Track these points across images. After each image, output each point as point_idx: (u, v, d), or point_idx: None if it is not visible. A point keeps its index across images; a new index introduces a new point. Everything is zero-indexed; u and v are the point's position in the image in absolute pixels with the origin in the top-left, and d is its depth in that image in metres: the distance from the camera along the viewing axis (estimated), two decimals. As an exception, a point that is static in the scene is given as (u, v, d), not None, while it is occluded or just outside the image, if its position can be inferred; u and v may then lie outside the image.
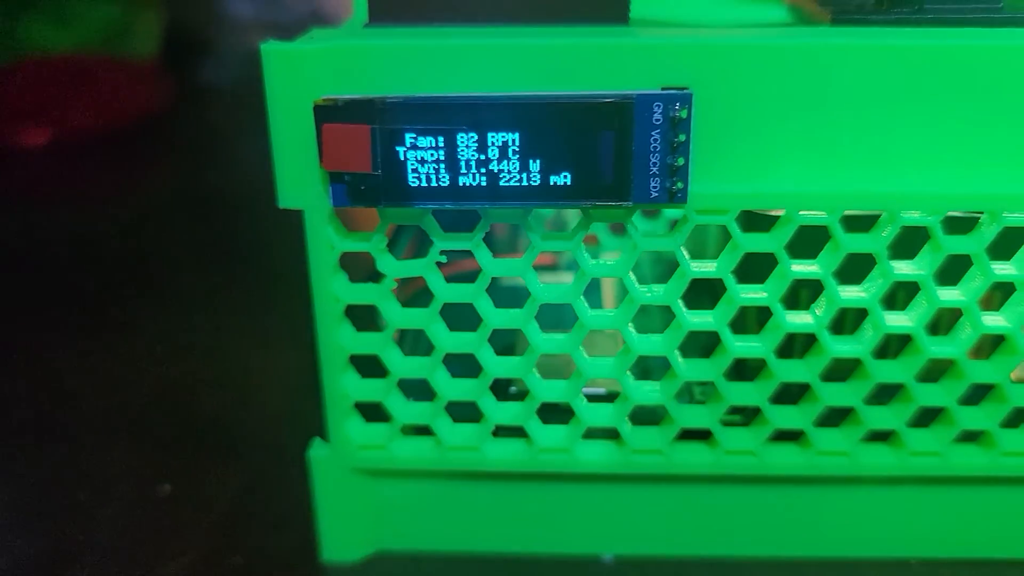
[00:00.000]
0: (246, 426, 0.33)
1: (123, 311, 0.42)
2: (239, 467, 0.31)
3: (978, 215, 0.22)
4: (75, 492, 0.30)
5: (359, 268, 0.24)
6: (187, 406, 0.34)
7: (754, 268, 0.23)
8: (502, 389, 0.26)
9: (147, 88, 0.70)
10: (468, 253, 0.22)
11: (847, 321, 0.24)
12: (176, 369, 0.37)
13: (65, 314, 0.42)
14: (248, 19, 0.72)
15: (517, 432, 0.24)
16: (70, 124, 0.66)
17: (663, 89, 0.20)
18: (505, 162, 0.20)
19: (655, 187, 0.20)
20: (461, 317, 0.24)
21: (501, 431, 0.24)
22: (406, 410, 0.24)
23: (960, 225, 0.22)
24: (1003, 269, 0.22)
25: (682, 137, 0.20)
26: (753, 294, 0.22)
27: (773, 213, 0.23)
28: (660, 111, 0.20)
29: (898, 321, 0.23)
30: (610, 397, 0.25)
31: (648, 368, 0.28)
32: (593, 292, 0.32)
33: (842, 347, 0.23)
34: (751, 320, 0.25)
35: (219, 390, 0.35)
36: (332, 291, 0.23)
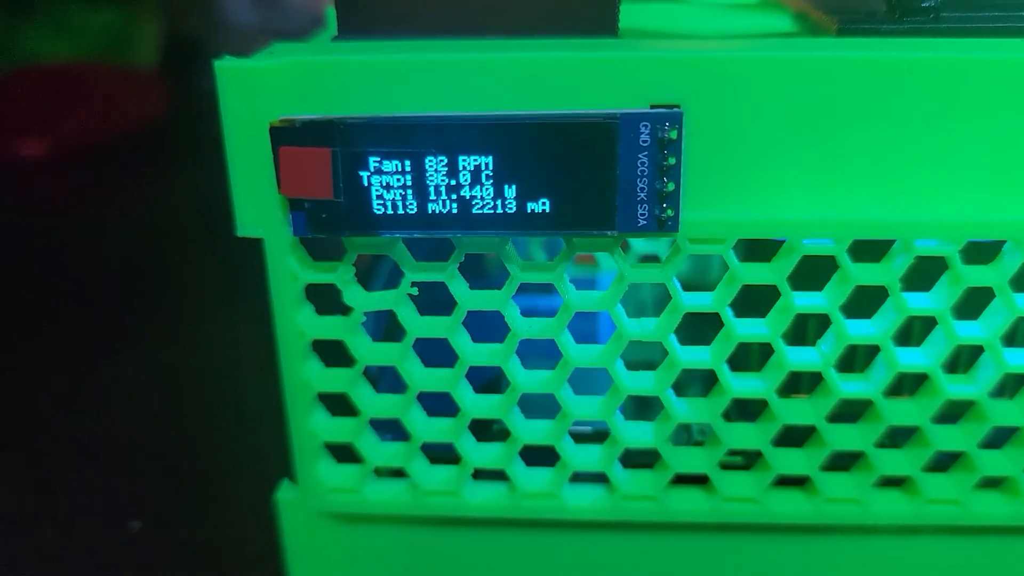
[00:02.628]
0: (224, 459, 0.31)
1: (107, 332, 0.41)
2: (212, 503, 0.29)
3: (1000, 244, 0.20)
4: (40, 528, 0.29)
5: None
6: (164, 436, 0.33)
7: (756, 299, 0.21)
8: (485, 426, 0.24)
9: (147, 97, 0.69)
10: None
11: (857, 358, 0.23)
12: (156, 396, 0.35)
13: (45, 332, 0.41)
14: (249, 26, 0.71)
15: (499, 475, 0.23)
16: (69, 133, 0.65)
17: (651, 107, 0.18)
18: (478, 188, 0.19)
19: (643, 214, 0.19)
20: (444, 348, 0.22)
21: (482, 474, 0.23)
22: (379, 451, 0.23)
23: (980, 254, 0.20)
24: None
25: (672, 160, 0.18)
26: (753, 329, 0.21)
27: (775, 240, 0.21)
28: (648, 131, 0.18)
29: (913, 359, 0.21)
30: (599, 436, 0.23)
31: (646, 400, 0.26)
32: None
33: (852, 386, 0.21)
34: (754, 355, 0.23)
35: (199, 419, 0.34)
36: (296, 325, 0.21)
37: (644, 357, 0.25)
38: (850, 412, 0.22)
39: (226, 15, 0.71)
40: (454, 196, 0.19)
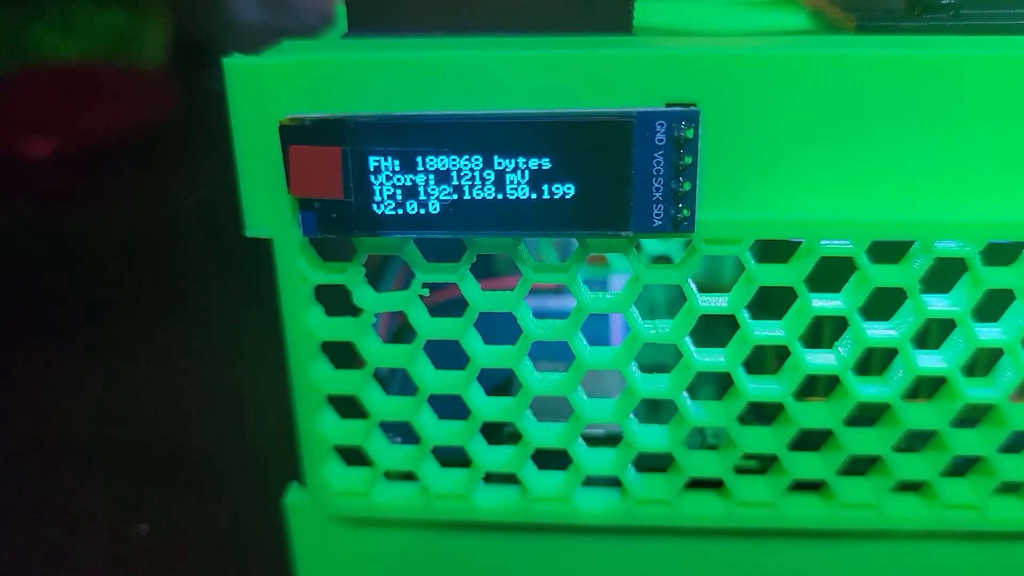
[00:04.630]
0: (233, 460, 0.31)
1: (114, 331, 0.40)
2: (221, 505, 0.29)
3: (1021, 245, 0.19)
4: (47, 527, 0.28)
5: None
6: (173, 437, 0.33)
7: (772, 302, 0.21)
8: (497, 429, 0.24)
9: (154, 97, 0.69)
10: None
11: (874, 361, 0.22)
12: (165, 397, 0.35)
13: (51, 331, 0.40)
14: (258, 26, 0.70)
15: (510, 479, 0.22)
16: (76, 133, 0.65)
17: (667, 105, 0.18)
18: (490, 187, 0.18)
19: (658, 214, 0.18)
20: (455, 349, 0.21)
21: (493, 478, 0.22)
22: (389, 454, 0.22)
23: (1001, 255, 0.20)
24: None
25: (688, 159, 0.18)
26: (769, 332, 0.20)
27: (792, 241, 0.20)
28: (664, 130, 0.18)
29: (931, 362, 0.20)
30: (612, 439, 0.23)
31: (660, 402, 0.26)
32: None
33: (869, 390, 0.21)
34: (769, 357, 0.23)
35: (208, 421, 0.34)
36: (305, 326, 0.21)
37: (658, 360, 0.24)
38: (867, 416, 0.21)
39: (234, 15, 0.71)
40: (465, 195, 0.18)
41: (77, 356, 0.38)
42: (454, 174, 0.18)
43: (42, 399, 0.35)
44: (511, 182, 0.18)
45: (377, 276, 0.28)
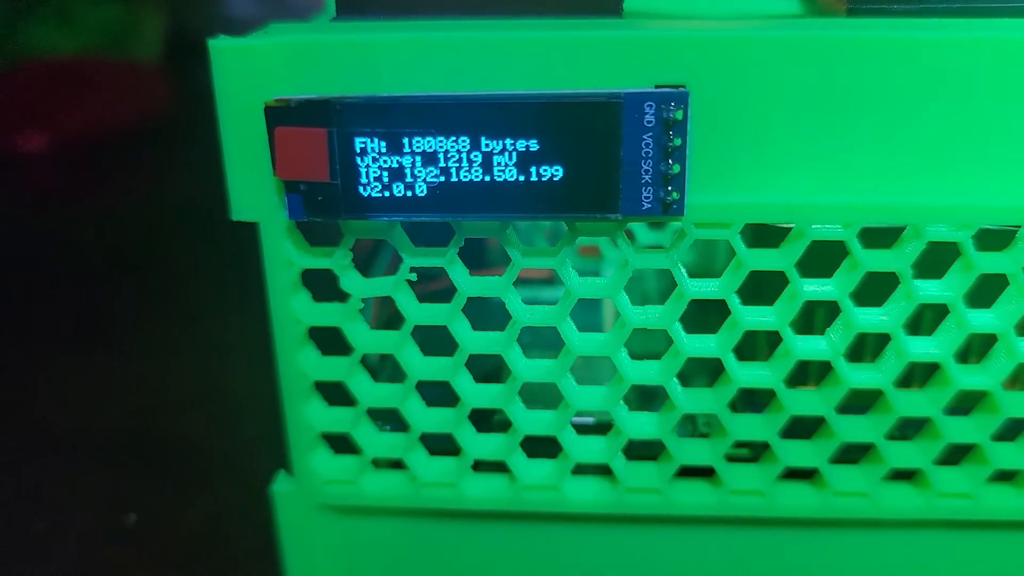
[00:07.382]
0: (220, 451, 0.31)
1: (104, 325, 0.40)
2: (209, 496, 0.29)
3: (1015, 229, 0.19)
4: (33, 520, 0.28)
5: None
6: (160, 429, 0.32)
7: (763, 287, 0.21)
8: (486, 417, 0.23)
9: (149, 91, 0.69)
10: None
11: (867, 347, 0.22)
12: (152, 389, 0.35)
13: (43, 325, 0.40)
14: (251, 20, 0.70)
15: (499, 467, 0.22)
16: (71, 127, 0.64)
17: (656, 87, 0.18)
18: (477, 169, 0.18)
19: (647, 197, 0.18)
20: (445, 337, 0.21)
21: (482, 465, 0.22)
22: (377, 442, 0.22)
23: (994, 240, 0.19)
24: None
25: (677, 141, 0.18)
26: (760, 317, 0.20)
27: (783, 226, 0.20)
28: (652, 112, 0.18)
29: (924, 348, 0.20)
30: (602, 427, 0.22)
31: (651, 392, 0.25)
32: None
33: (861, 376, 0.20)
34: (761, 344, 0.23)
35: (196, 411, 0.33)
36: (292, 312, 0.21)
37: (649, 348, 0.24)
38: (859, 403, 0.21)
39: (229, 10, 0.71)
40: (452, 178, 0.18)
41: (65, 349, 0.38)
42: (441, 156, 0.18)
43: (30, 391, 0.35)
44: (498, 164, 0.18)
45: (367, 267, 0.28)
